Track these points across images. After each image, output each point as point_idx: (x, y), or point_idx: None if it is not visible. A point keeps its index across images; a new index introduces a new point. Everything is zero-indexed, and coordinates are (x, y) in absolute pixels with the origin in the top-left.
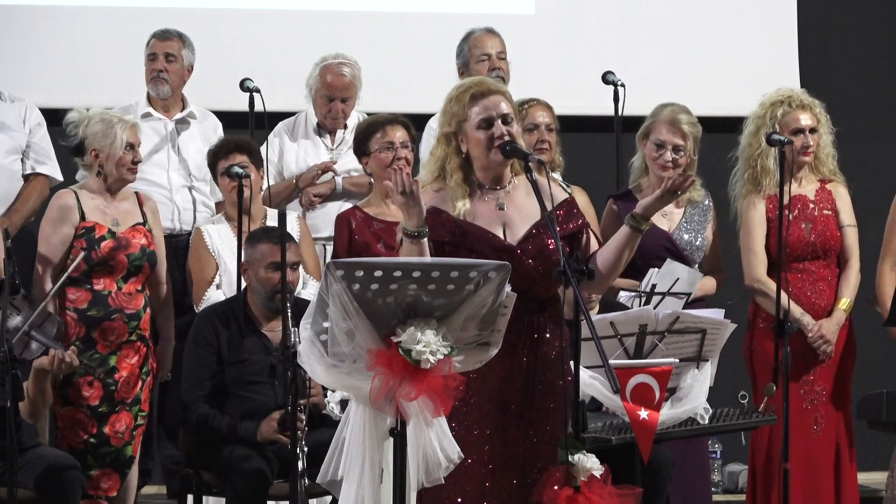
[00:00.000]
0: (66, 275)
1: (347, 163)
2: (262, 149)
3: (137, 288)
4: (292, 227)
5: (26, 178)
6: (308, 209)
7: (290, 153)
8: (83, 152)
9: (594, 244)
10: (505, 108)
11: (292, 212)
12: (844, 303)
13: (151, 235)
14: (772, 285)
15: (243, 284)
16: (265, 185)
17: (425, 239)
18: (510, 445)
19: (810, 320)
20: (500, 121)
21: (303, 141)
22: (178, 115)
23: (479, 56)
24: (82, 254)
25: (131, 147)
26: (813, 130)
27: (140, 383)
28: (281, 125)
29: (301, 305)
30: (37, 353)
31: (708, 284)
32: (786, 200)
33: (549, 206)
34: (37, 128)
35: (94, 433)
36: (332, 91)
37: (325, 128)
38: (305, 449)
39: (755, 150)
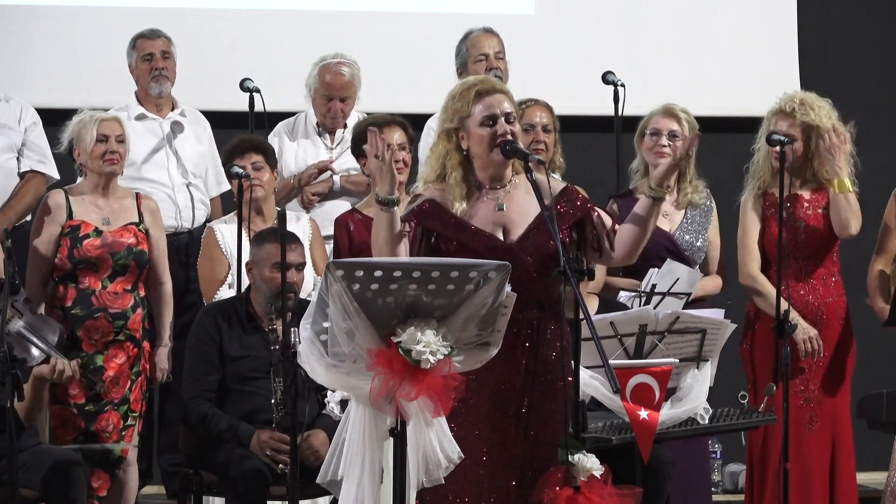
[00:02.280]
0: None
1: (347, 162)
2: None
3: (126, 287)
4: (304, 228)
5: (22, 176)
6: (307, 208)
7: (290, 153)
8: (72, 154)
9: (607, 219)
10: (508, 107)
11: (304, 213)
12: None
13: (144, 235)
14: (764, 282)
15: (244, 282)
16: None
17: (396, 209)
18: (509, 446)
19: (796, 316)
20: (503, 119)
21: (302, 141)
22: (171, 114)
23: (476, 56)
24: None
25: (104, 139)
26: (792, 139)
27: (129, 383)
28: (281, 125)
29: (304, 306)
30: (38, 360)
31: (710, 285)
32: (787, 197)
33: (549, 208)
34: (32, 127)
35: (83, 431)
36: (331, 91)
37: (325, 127)
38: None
39: (753, 146)
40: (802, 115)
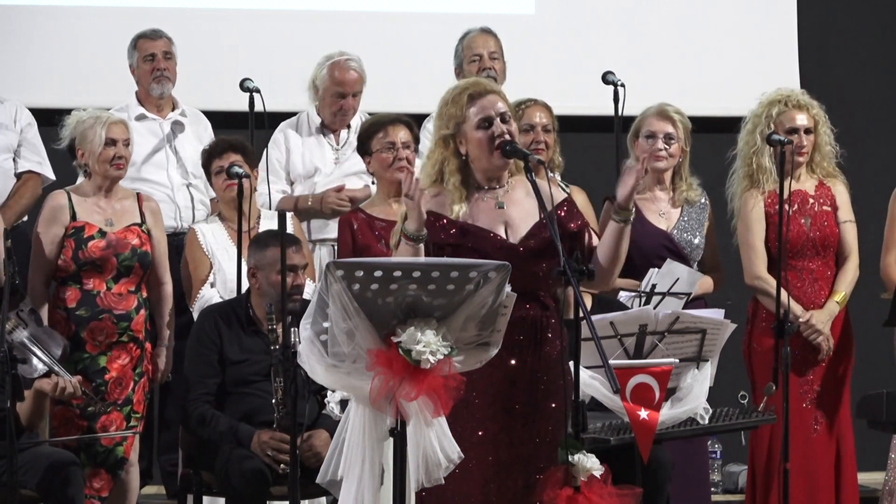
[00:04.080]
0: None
1: (354, 164)
2: (268, 149)
3: (130, 289)
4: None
5: (19, 176)
6: (334, 215)
7: (297, 153)
8: (74, 154)
9: (595, 242)
10: (502, 106)
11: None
12: (839, 296)
13: (147, 236)
14: (773, 282)
15: (244, 285)
16: (267, 187)
17: (422, 245)
18: (515, 446)
19: (803, 311)
20: (498, 119)
21: (307, 140)
22: (172, 115)
23: (470, 57)
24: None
25: (112, 143)
26: (808, 131)
27: (132, 384)
28: (285, 124)
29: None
30: (40, 373)
31: (707, 283)
32: (788, 198)
33: (548, 207)
34: (27, 127)
35: (84, 432)
36: (343, 87)
37: (329, 128)
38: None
39: (751, 148)
40: (812, 106)
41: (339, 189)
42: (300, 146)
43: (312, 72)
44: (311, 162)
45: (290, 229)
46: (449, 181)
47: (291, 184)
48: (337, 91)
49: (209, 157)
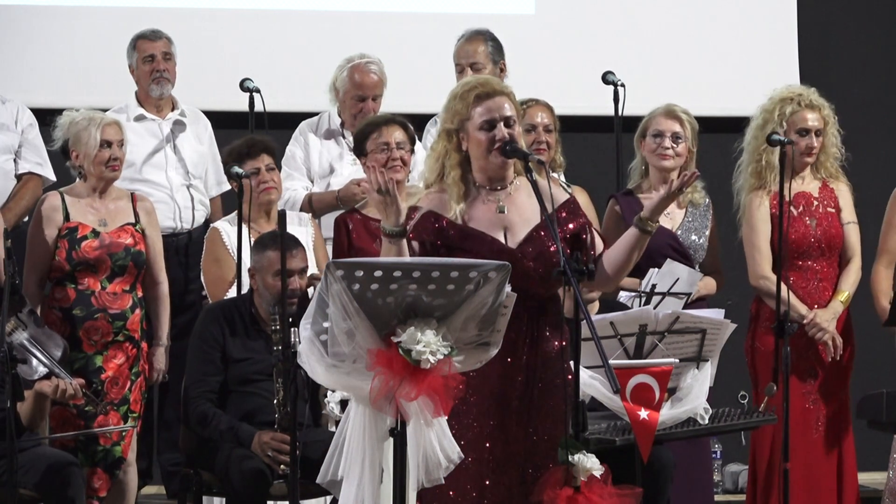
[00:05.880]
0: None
1: None
2: (289, 147)
3: (124, 288)
4: (307, 229)
5: (19, 178)
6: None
7: (315, 152)
8: (68, 155)
9: (599, 243)
10: (508, 110)
11: (306, 214)
12: (843, 295)
13: (141, 235)
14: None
15: (244, 284)
16: (290, 185)
17: (404, 240)
18: (510, 443)
19: (808, 311)
20: (502, 123)
21: (325, 141)
22: (171, 115)
23: (456, 66)
24: None
25: (108, 145)
26: (818, 133)
27: (129, 384)
28: (304, 124)
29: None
30: (39, 374)
31: (710, 284)
32: (789, 198)
33: (549, 207)
34: (29, 128)
35: (82, 431)
36: (364, 90)
37: (349, 130)
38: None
39: (760, 145)
40: (823, 106)
41: (359, 182)
42: (318, 146)
43: (333, 74)
44: (327, 162)
45: (312, 232)
46: (449, 175)
47: (311, 181)
48: (357, 94)
49: (240, 157)
